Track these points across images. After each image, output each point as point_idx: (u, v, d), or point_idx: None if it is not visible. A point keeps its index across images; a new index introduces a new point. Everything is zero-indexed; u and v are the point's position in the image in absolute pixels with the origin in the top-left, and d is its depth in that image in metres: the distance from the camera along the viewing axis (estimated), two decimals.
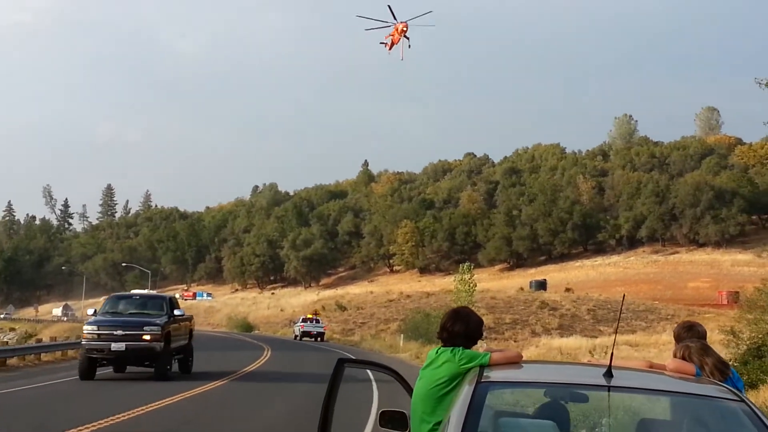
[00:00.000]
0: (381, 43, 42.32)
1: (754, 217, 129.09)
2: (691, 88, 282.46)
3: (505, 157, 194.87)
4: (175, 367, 26.89)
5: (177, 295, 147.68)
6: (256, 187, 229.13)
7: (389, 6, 39.70)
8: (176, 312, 26.59)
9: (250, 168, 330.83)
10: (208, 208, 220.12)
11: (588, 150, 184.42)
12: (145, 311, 26.17)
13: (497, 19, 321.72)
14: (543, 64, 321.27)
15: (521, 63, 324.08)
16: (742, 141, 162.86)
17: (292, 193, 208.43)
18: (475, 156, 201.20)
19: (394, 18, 40.43)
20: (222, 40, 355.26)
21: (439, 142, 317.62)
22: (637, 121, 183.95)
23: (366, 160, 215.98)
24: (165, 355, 24.71)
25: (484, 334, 5.80)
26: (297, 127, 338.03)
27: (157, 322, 24.82)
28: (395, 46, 41.46)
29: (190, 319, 30.15)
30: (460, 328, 5.54)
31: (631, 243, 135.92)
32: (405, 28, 40.21)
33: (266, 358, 39.50)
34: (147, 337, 24.15)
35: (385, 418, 5.90)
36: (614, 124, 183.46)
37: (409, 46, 41.30)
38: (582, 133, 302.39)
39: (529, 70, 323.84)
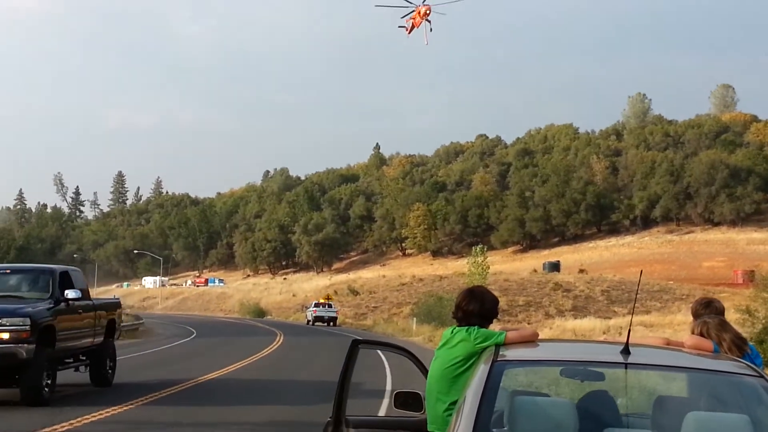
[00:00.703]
0: (400, 26, 41.23)
1: None
2: (706, 65, 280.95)
3: (518, 139, 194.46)
4: (110, 374, 19.16)
5: (189, 282, 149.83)
6: (267, 172, 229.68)
7: (377, 4, 38.72)
8: (71, 294, 16.50)
9: (261, 153, 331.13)
10: (219, 193, 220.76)
11: (601, 130, 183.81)
12: (15, 293, 16.72)
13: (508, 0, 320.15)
14: (555, 43, 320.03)
15: (533, 43, 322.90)
16: (758, 118, 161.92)
17: (303, 178, 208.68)
18: (488, 137, 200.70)
19: (408, 1, 39.45)
20: (231, 24, 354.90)
21: (450, 124, 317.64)
22: (651, 99, 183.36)
23: (378, 143, 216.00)
24: (37, 364, 15.11)
25: (498, 315, 5.71)
26: (308, 111, 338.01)
27: (27, 310, 15.39)
28: (415, 29, 40.45)
29: (110, 306, 20.56)
30: (475, 306, 5.49)
31: (646, 223, 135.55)
32: (428, 12, 39.02)
33: (279, 343, 39.58)
34: (4, 336, 14.80)
35: (399, 399, 5.89)
36: (628, 103, 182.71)
37: (431, 29, 40.17)
38: (596, 112, 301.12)
39: (542, 50, 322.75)
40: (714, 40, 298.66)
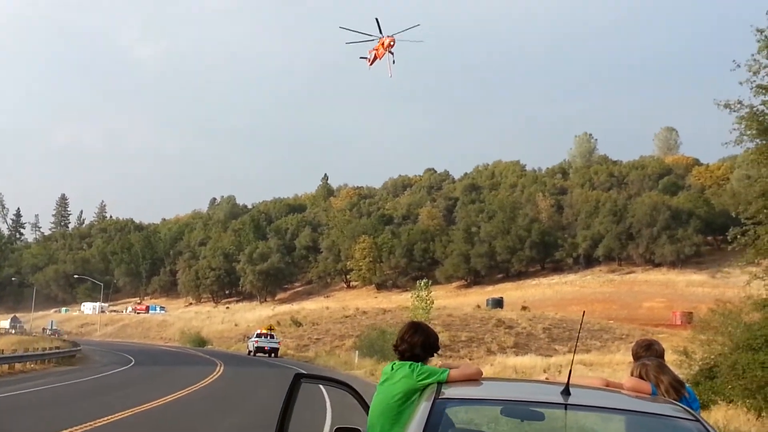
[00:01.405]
0: (362, 57, 40.14)
1: (709, 237, 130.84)
2: (651, 108, 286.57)
3: (466, 174, 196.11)
4: None
5: (129, 309, 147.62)
6: (214, 199, 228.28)
7: (377, 19, 37.33)
8: None
9: (208, 180, 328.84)
10: (164, 219, 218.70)
11: (548, 168, 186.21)
12: None
13: (460, 37, 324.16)
14: (505, 81, 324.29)
15: (483, 80, 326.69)
16: (700, 162, 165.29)
17: (250, 206, 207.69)
18: (436, 172, 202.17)
19: (380, 32, 38.39)
20: (182, 47, 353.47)
21: (399, 157, 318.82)
22: (597, 139, 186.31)
23: (326, 174, 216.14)
24: None
25: (440, 351, 5.66)
26: (256, 140, 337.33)
27: None
28: (377, 61, 39.28)
29: None
30: (419, 339, 5.45)
31: (588, 262, 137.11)
32: (392, 43, 37.85)
33: (219, 374, 39.04)
34: None
35: None
36: (574, 143, 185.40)
37: (394, 62, 38.91)
38: (543, 150, 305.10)
39: (491, 86, 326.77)
40: (659, 85, 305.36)
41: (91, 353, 54.97)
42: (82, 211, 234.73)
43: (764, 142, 22.98)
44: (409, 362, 5.32)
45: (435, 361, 5.61)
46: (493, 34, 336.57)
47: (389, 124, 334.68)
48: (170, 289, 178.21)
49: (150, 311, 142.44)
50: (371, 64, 39.14)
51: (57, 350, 46.91)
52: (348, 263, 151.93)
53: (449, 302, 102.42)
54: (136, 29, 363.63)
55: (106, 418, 17.59)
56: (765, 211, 22.45)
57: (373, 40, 37.95)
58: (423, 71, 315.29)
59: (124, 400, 22.07)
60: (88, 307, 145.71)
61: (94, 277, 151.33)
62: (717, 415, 19.66)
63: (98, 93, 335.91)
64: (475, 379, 5.17)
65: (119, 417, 18.22)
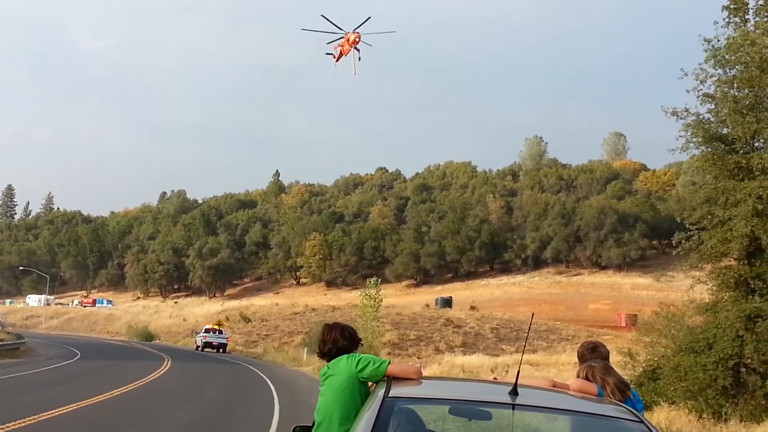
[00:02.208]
0: (327, 53, 39.25)
1: (654, 242, 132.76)
2: (601, 113, 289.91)
3: (417, 174, 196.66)
4: None
5: (75, 302, 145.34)
6: (164, 193, 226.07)
7: (323, 15, 36.31)
8: None
9: (158, 174, 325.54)
10: (113, 212, 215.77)
11: (499, 170, 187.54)
12: None
13: (413, 38, 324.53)
14: (458, 83, 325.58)
15: (436, 81, 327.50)
16: (647, 167, 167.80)
17: (200, 201, 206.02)
18: (387, 171, 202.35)
19: (339, 28, 37.56)
20: (133, 43, 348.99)
21: (351, 155, 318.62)
22: (547, 143, 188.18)
23: (277, 171, 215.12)
24: None
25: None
26: (208, 135, 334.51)
27: None
28: (343, 58, 38.35)
29: None
30: (336, 333, 5.53)
31: (536, 263, 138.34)
32: (357, 39, 36.91)
33: (166, 368, 38.73)
34: None
35: None
36: (525, 145, 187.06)
37: (360, 58, 38.00)
38: (494, 152, 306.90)
39: (444, 88, 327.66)
40: (609, 90, 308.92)
41: (35, 346, 54.13)
42: (28, 203, 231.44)
43: (709, 149, 23.45)
44: (345, 355, 5.36)
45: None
46: (447, 39, 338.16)
47: (342, 123, 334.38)
48: (118, 283, 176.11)
49: (97, 304, 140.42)
50: (337, 61, 38.47)
51: (1, 342, 46.21)
52: (298, 260, 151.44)
53: (398, 301, 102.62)
54: (88, 23, 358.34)
55: (50, 412, 17.38)
56: (709, 217, 22.91)
57: (338, 33, 37.33)
58: (377, 72, 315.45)
59: (69, 394, 21.81)
60: (34, 300, 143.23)
61: (40, 270, 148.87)
62: (659, 416, 20.03)
63: (47, 85, 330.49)
64: (413, 377, 5.21)
65: (64, 411, 18.01)
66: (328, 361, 5.52)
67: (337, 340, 5.52)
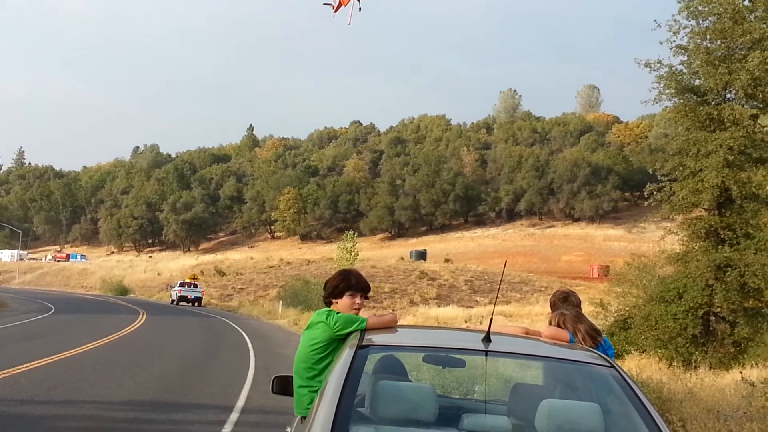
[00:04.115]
0: (325, 3, 37.89)
1: (627, 194, 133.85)
2: (575, 66, 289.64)
3: (391, 127, 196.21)
4: None
5: (49, 257, 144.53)
6: (137, 147, 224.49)
7: None
8: None
9: (131, 129, 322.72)
10: (85, 167, 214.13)
11: (473, 123, 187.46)
12: None
13: None
14: (432, 36, 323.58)
15: (411, 34, 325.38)
16: (620, 120, 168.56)
17: (174, 156, 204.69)
18: (361, 124, 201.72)
19: None
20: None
21: (325, 108, 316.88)
22: (521, 96, 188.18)
23: (251, 125, 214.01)
24: None
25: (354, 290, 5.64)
26: (181, 89, 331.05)
27: None
28: (342, 8, 36.78)
29: None
30: (337, 282, 5.48)
31: (510, 216, 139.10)
32: None
33: (141, 322, 38.75)
34: None
35: (279, 384, 5.74)
36: (499, 98, 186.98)
37: (360, 9, 36.28)
38: (468, 105, 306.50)
39: (418, 41, 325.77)
40: (583, 44, 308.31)
41: (9, 300, 53.87)
42: None
43: (682, 101, 23.56)
44: (328, 310, 5.35)
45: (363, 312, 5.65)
46: None
47: (316, 76, 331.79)
48: (91, 238, 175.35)
49: (70, 259, 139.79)
50: (336, 11, 37.08)
51: None
52: (272, 214, 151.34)
53: (373, 254, 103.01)
54: None
55: (25, 365, 17.38)
56: (680, 168, 23.10)
57: None
58: (352, 26, 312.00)
59: (43, 348, 21.79)
60: (6, 255, 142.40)
61: (12, 225, 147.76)
62: (630, 363, 20.34)
63: (19, 40, 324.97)
64: (391, 327, 5.25)
65: (38, 364, 18.01)
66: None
67: (336, 286, 5.49)
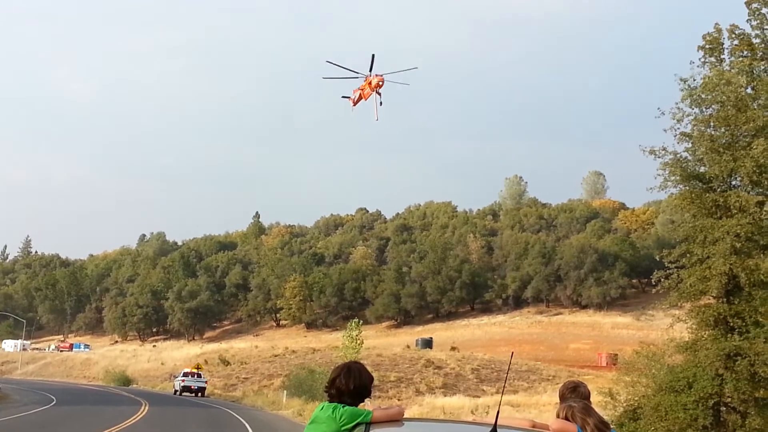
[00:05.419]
0: (344, 97, 36.46)
1: (634, 280, 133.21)
2: (580, 152, 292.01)
3: (397, 214, 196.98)
4: None
5: (52, 346, 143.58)
6: (144, 235, 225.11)
7: (329, 61, 33.69)
8: None
9: (138, 216, 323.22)
10: (91, 255, 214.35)
11: (479, 209, 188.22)
12: None
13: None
14: (437, 120, 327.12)
15: (414, 120, 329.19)
16: (626, 206, 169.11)
17: (180, 243, 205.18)
18: (368, 211, 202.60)
19: (370, 69, 34.30)
20: (111, 84, 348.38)
21: (332, 196, 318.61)
22: (527, 182, 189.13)
23: (257, 212, 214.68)
24: None
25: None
26: (188, 177, 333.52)
27: None
28: (362, 102, 35.31)
29: None
30: (350, 384, 5.38)
31: (517, 303, 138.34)
32: (381, 83, 33.73)
33: (143, 413, 38.20)
34: None
35: None
36: (505, 185, 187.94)
37: (381, 103, 34.72)
38: (474, 192, 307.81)
39: (423, 127, 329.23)
40: (588, 129, 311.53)
41: (10, 392, 53.33)
42: (6, 246, 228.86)
43: (687, 188, 23.61)
44: (335, 404, 5.26)
45: (366, 402, 5.56)
46: (423, 74, 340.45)
47: (322, 164, 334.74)
48: (96, 327, 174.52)
49: (74, 349, 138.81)
50: (354, 105, 35.78)
51: None
52: (278, 302, 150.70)
53: (379, 342, 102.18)
54: (67, 64, 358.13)
55: None
56: (688, 255, 23.00)
57: (358, 77, 34.76)
58: (358, 111, 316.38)
59: None
60: (9, 345, 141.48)
61: (17, 314, 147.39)
62: None
63: (24, 125, 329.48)
64: (397, 419, 5.14)
65: None
66: (328, 401, 5.41)
67: (344, 393, 5.40)
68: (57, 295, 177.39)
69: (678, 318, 23.68)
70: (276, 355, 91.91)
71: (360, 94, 34.82)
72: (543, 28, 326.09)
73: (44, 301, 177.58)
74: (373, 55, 33.70)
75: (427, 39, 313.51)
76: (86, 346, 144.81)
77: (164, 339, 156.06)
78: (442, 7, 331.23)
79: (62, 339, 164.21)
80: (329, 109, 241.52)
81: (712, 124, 23.28)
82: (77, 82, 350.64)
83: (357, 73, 33.89)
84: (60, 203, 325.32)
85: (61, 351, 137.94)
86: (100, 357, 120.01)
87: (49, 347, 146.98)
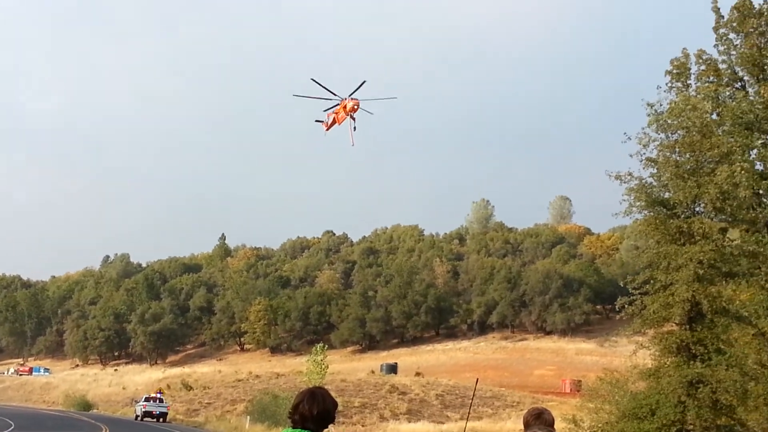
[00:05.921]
0: (317, 121, 35.71)
1: (598, 306, 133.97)
2: (546, 177, 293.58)
3: (364, 237, 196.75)
4: None
5: (11, 370, 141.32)
6: (107, 257, 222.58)
7: (314, 80, 32.59)
8: None
9: (101, 237, 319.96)
10: (53, 277, 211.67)
11: (446, 233, 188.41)
12: None
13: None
14: (404, 145, 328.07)
15: (382, 144, 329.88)
16: (591, 231, 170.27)
17: (144, 265, 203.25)
18: (334, 234, 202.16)
19: (333, 93, 33.81)
20: (72, 103, 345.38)
21: (298, 218, 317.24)
22: (494, 206, 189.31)
23: (223, 234, 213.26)
24: None
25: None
26: (153, 198, 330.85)
27: None
28: (335, 126, 34.45)
29: None
30: (313, 409, 5.27)
31: (482, 328, 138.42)
32: (356, 107, 32.81)
33: None
34: None
35: None
36: (472, 209, 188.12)
37: (355, 128, 33.78)
38: (441, 216, 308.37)
39: (391, 150, 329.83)
40: (555, 154, 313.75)
41: None
42: None
43: (652, 213, 23.68)
44: (298, 430, 5.16)
45: (329, 428, 5.43)
46: (393, 103, 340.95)
47: (288, 185, 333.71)
48: (56, 350, 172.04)
49: (33, 373, 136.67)
50: (328, 129, 35.07)
51: None
52: (242, 325, 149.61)
53: (344, 367, 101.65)
54: (27, 83, 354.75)
55: None
56: (651, 281, 23.03)
57: (330, 100, 33.97)
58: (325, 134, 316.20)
59: None
60: None
61: None
62: None
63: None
64: None
65: None
66: (291, 426, 5.30)
67: (307, 420, 5.33)
68: (17, 317, 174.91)
69: (641, 345, 23.66)
70: (239, 380, 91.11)
71: (334, 118, 34.26)
72: (508, 53, 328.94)
73: (4, 323, 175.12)
74: (363, 81, 33.09)
75: (391, 66, 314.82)
76: (46, 369, 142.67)
77: (126, 363, 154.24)
78: (402, 32, 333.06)
79: (22, 362, 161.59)
80: (298, 132, 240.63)
81: (677, 149, 23.41)
82: (38, 102, 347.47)
83: (335, 95, 33.27)
84: (22, 223, 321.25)
85: (21, 375, 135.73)
86: (60, 381, 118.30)
87: (8, 371, 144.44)
